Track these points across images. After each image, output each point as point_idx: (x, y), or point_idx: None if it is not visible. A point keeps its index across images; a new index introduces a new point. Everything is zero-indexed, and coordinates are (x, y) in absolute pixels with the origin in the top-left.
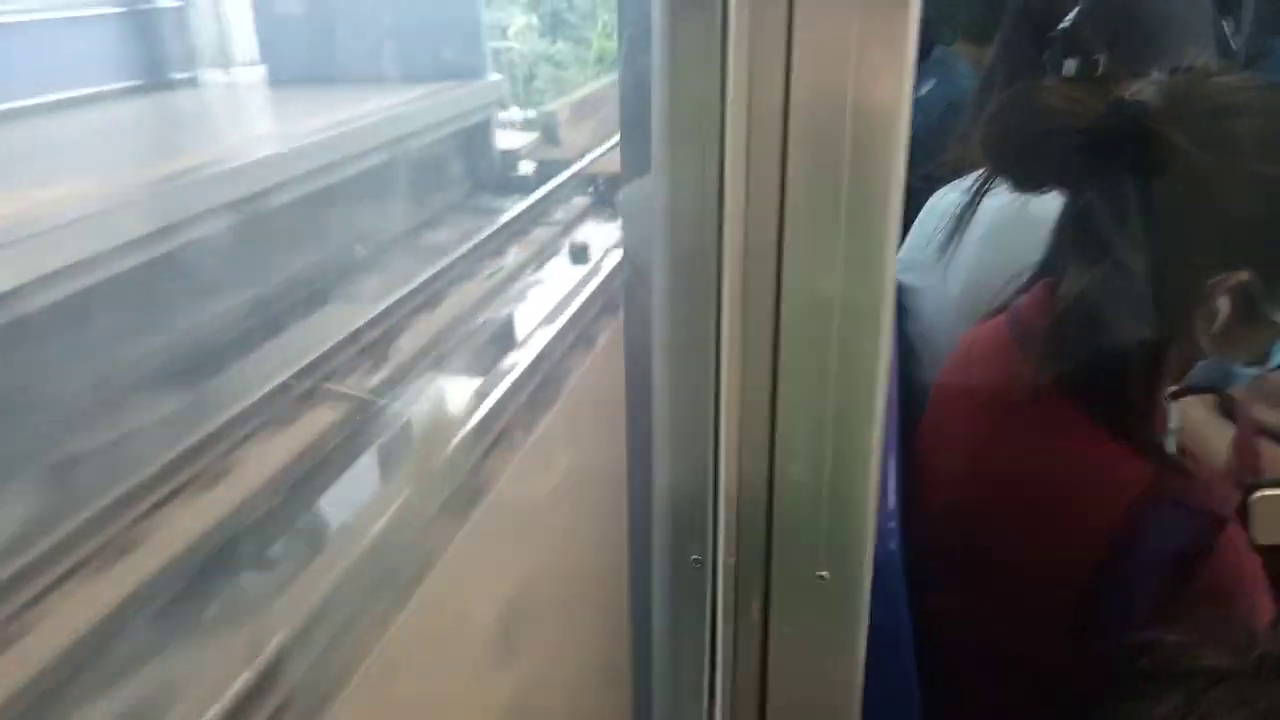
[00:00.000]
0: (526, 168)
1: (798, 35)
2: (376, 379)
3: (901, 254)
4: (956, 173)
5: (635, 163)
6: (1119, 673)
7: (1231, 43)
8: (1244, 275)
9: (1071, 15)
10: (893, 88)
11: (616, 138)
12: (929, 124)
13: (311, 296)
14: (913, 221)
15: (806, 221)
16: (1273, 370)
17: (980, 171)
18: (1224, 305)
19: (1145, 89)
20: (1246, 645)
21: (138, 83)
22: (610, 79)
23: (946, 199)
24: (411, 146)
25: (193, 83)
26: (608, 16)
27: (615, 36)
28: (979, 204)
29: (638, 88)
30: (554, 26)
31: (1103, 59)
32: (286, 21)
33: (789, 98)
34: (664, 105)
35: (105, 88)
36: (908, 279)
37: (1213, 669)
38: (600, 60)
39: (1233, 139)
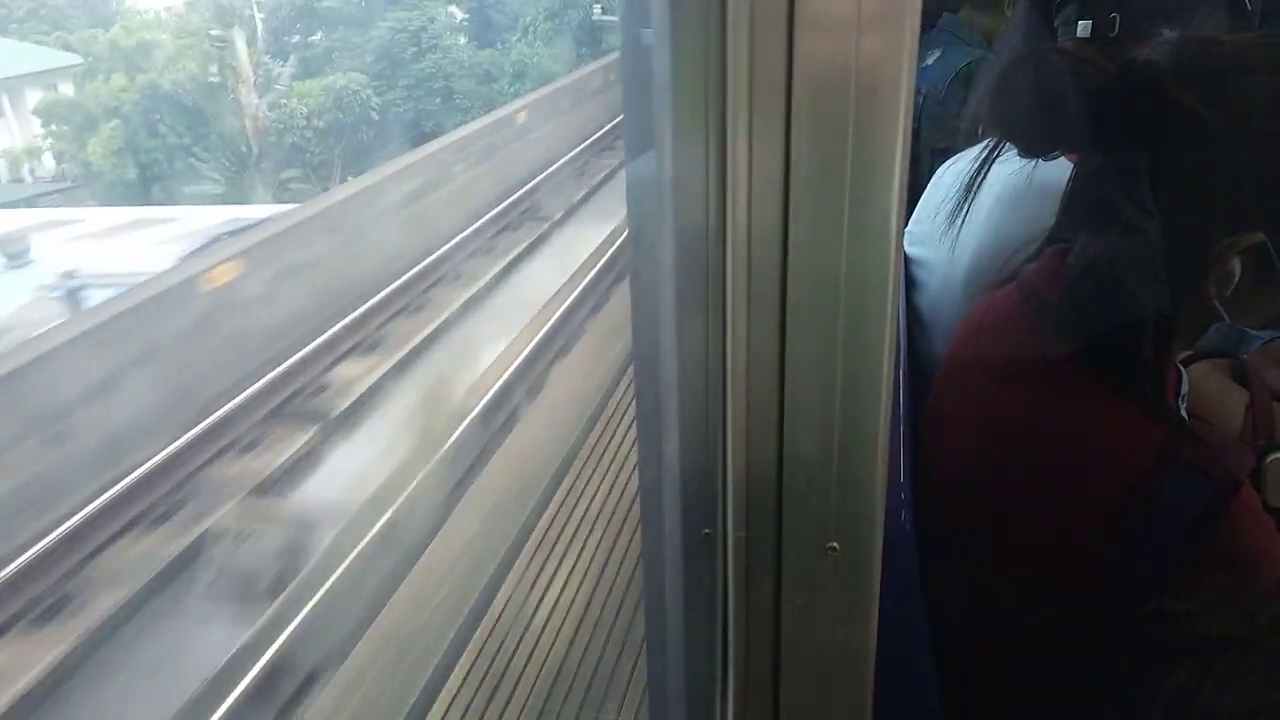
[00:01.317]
0: None
1: (800, 5)
2: None
3: (909, 226)
4: (966, 142)
5: (639, 138)
6: (1129, 643)
7: (1246, 2)
8: (1258, 236)
9: None
10: (896, 58)
11: None
12: (935, 94)
13: None
14: (920, 193)
15: (811, 195)
16: None
17: (989, 140)
18: (1237, 268)
19: (1158, 50)
20: (1255, 609)
21: None
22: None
23: (953, 169)
24: None
25: None
26: (530, 17)
27: (538, 39)
28: (988, 172)
29: (639, 62)
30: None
31: (1116, 20)
32: None
33: (792, 69)
34: (666, 79)
35: None
36: (915, 251)
37: (1223, 635)
38: (520, 76)
39: (1246, 99)
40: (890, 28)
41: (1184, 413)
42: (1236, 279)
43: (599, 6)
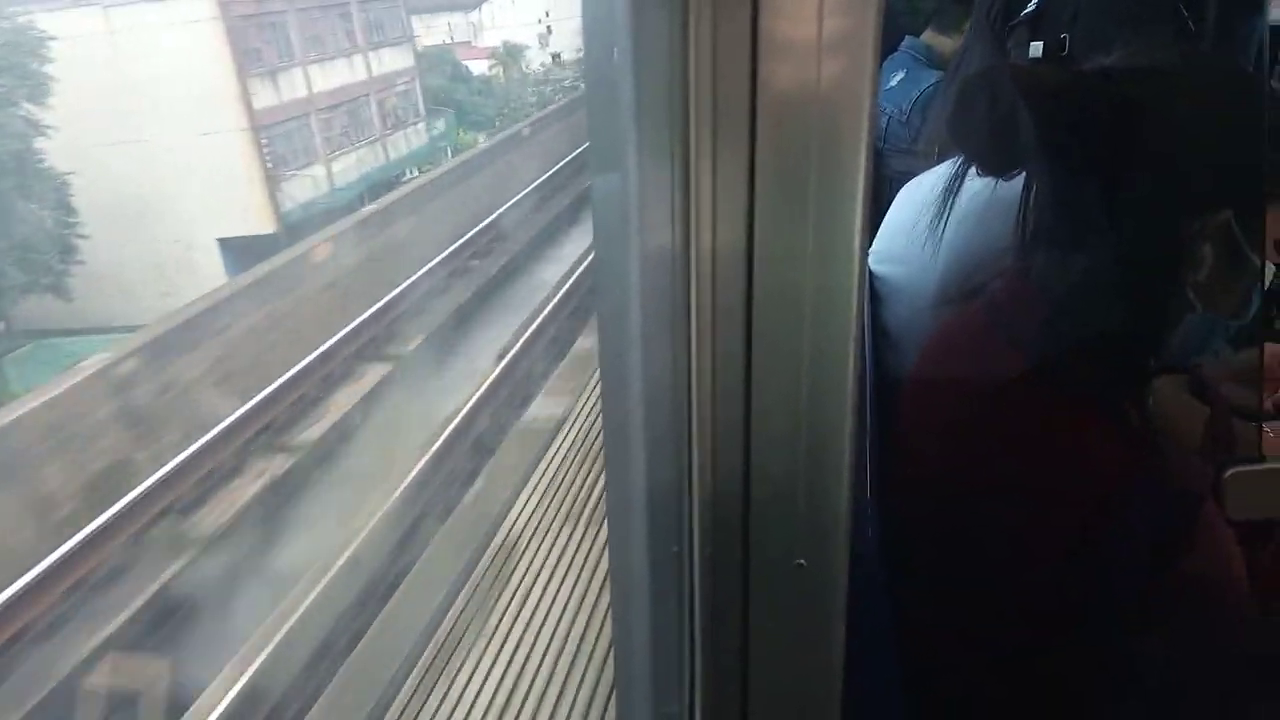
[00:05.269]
0: None
1: (763, 27)
2: None
3: (877, 245)
4: (929, 162)
5: (604, 158)
6: (1105, 681)
7: (1190, 24)
8: (1225, 215)
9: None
10: (858, 80)
11: None
12: (899, 115)
13: None
14: (884, 213)
15: (775, 215)
16: (1241, 349)
17: (958, 157)
18: (1209, 253)
19: (1110, 67)
20: (1228, 648)
21: None
22: None
23: (922, 186)
24: None
25: None
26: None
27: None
28: (960, 189)
29: (604, 83)
30: None
31: (1066, 41)
32: None
33: (755, 91)
34: (630, 100)
35: None
36: (881, 269)
37: (1194, 676)
38: None
39: (1196, 91)
40: (851, 51)
41: (1147, 428)
42: (1208, 263)
43: None
